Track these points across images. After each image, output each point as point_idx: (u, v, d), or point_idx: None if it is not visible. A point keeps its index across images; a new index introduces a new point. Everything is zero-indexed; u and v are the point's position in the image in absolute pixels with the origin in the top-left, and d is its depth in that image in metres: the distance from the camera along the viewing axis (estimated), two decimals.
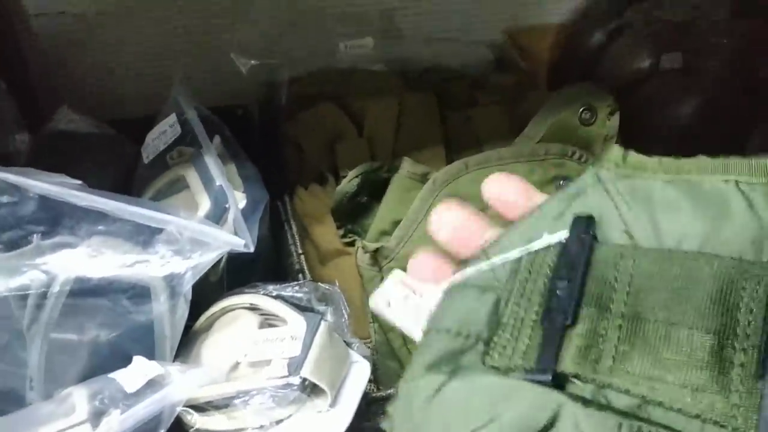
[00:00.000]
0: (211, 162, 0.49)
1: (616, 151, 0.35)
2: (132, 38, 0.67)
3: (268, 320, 0.46)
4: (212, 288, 0.48)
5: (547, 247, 0.33)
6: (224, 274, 0.49)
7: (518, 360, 0.30)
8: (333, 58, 0.66)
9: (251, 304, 0.46)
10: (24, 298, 0.42)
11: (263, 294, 0.47)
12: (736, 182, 0.33)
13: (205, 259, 0.42)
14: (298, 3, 0.69)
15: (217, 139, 0.51)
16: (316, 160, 0.59)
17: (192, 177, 0.49)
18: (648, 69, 0.69)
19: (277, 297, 0.46)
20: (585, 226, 0.33)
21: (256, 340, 0.44)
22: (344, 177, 0.54)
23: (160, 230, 0.42)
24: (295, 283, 0.47)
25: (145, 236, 0.42)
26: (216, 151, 0.50)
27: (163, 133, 0.53)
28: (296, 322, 0.44)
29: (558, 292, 0.31)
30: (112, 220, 0.42)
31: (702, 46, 0.66)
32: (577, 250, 0.32)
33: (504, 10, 0.78)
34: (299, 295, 0.46)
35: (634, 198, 0.34)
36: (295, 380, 0.42)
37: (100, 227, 0.42)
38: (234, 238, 0.43)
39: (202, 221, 0.44)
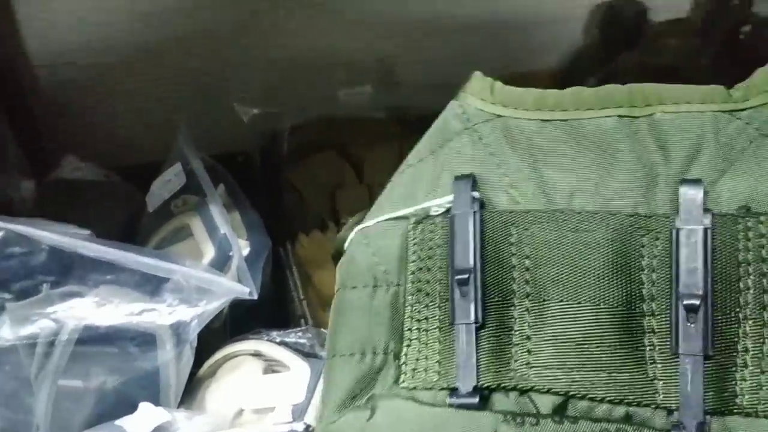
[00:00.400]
0: (216, 211, 0.50)
1: (481, 81, 0.33)
2: (136, 88, 0.69)
3: (271, 366, 0.46)
4: (215, 334, 0.49)
5: (432, 222, 0.30)
6: (227, 321, 0.50)
7: (434, 377, 0.28)
8: (332, 106, 0.68)
9: (255, 350, 0.47)
10: (32, 346, 0.43)
11: (267, 340, 0.47)
12: (618, 116, 0.30)
13: (210, 307, 0.43)
14: (298, 53, 0.71)
15: (221, 187, 0.53)
16: (317, 206, 0.60)
17: (196, 225, 0.50)
18: None
19: (280, 343, 0.47)
20: (469, 193, 0.30)
21: (260, 386, 0.45)
22: (345, 223, 0.55)
23: (166, 279, 0.43)
24: (298, 329, 0.48)
25: (152, 285, 0.43)
26: (220, 199, 0.51)
27: (167, 182, 0.54)
28: (300, 368, 0.45)
29: (458, 286, 0.29)
30: (120, 269, 0.43)
31: None
32: (465, 227, 0.29)
33: (499, 57, 0.80)
34: (302, 340, 0.47)
35: (513, 146, 0.31)
36: (300, 426, 0.42)
37: (108, 277, 0.43)
38: (239, 286, 0.44)
39: (207, 269, 0.45)
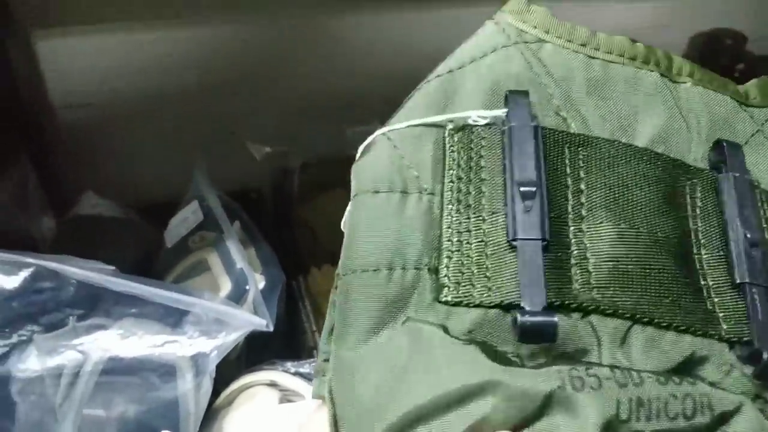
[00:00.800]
0: (233, 246, 0.52)
1: (521, 2, 0.32)
2: (153, 129, 0.71)
3: (287, 396, 0.48)
4: (231, 366, 0.51)
5: (474, 132, 0.28)
6: (242, 352, 0.52)
7: (483, 292, 0.25)
8: (341, 144, 0.70)
9: (270, 380, 0.49)
10: (58, 376, 0.45)
11: (282, 371, 0.49)
12: (660, 74, 0.31)
13: (229, 339, 0.44)
14: (307, 94, 0.73)
15: (237, 224, 0.55)
16: (328, 241, 0.62)
17: (214, 260, 0.52)
18: None
19: (295, 373, 0.49)
20: (527, 106, 0.28)
21: (276, 415, 0.46)
22: None
23: (187, 312, 0.45)
24: (312, 359, 0.50)
25: (173, 318, 0.45)
26: (237, 235, 0.53)
27: (185, 219, 0.56)
28: None
29: (522, 200, 0.26)
30: (143, 302, 0.45)
31: None
32: (528, 139, 0.27)
33: None
34: None
35: (561, 71, 0.30)
36: None
37: (132, 310, 0.45)
38: (256, 318, 0.46)
39: (225, 302, 0.47)
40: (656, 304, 0.25)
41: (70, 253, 0.47)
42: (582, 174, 0.28)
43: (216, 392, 0.50)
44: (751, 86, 0.34)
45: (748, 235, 0.27)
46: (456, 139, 0.28)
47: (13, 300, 0.44)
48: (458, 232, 0.26)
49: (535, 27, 0.31)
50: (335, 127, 0.71)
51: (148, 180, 0.71)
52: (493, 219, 0.26)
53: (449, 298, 0.25)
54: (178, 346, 0.44)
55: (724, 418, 0.24)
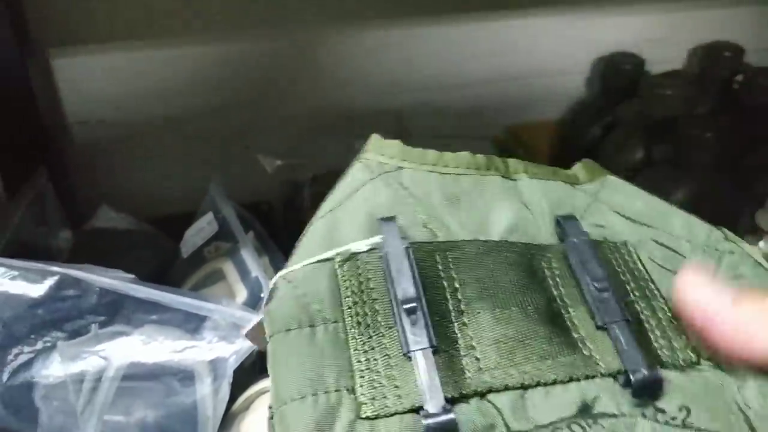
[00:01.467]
0: (248, 255, 0.53)
1: (379, 141, 0.36)
2: (167, 143, 0.73)
3: None
4: (248, 371, 0.52)
5: (359, 260, 0.32)
6: (257, 358, 0.53)
7: (395, 401, 0.28)
8: (350, 156, 0.71)
9: None
10: (80, 382, 0.46)
11: None
12: (501, 177, 0.36)
13: (247, 344, 0.46)
14: (317, 108, 0.75)
15: (251, 234, 0.56)
16: None
17: (229, 269, 0.54)
18: (641, 160, 0.75)
19: None
20: (396, 230, 0.32)
21: None
22: None
23: (205, 318, 0.47)
24: None
25: (193, 324, 0.46)
26: (251, 245, 0.54)
27: (201, 230, 0.57)
28: None
29: (407, 316, 0.30)
30: (163, 309, 0.46)
31: (689, 139, 0.71)
32: (403, 260, 0.31)
33: (504, 109, 0.83)
34: None
35: (420, 190, 0.35)
36: None
37: (153, 316, 0.46)
38: None
39: (243, 308, 0.48)
40: (539, 368, 0.30)
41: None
42: (454, 274, 0.32)
43: (232, 398, 0.51)
44: (578, 170, 0.39)
45: (596, 285, 0.32)
46: (345, 269, 0.32)
47: (38, 307, 0.45)
48: (364, 351, 0.30)
49: (393, 158, 0.36)
50: (344, 140, 0.72)
51: (162, 193, 0.72)
52: (390, 333, 0.30)
53: (369, 414, 0.28)
54: (197, 351, 0.46)
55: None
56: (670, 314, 0.33)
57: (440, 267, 0.32)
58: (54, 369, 0.46)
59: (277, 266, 0.56)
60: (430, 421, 0.27)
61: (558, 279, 0.33)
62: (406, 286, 0.30)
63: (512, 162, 0.37)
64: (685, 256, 0.35)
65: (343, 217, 0.34)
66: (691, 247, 0.36)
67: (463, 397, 0.29)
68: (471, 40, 0.79)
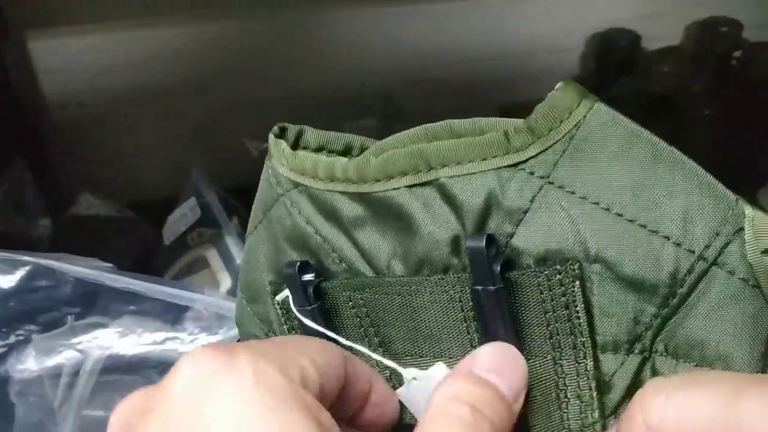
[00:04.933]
0: (231, 242, 0.51)
1: (276, 145, 0.31)
2: (148, 127, 0.71)
3: None
4: None
5: (279, 306, 0.31)
6: None
7: None
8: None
9: None
10: (57, 376, 0.45)
11: None
12: (407, 186, 0.28)
13: (230, 334, 0.44)
14: (305, 89, 0.73)
15: (235, 219, 0.55)
16: None
17: (213, 257, 0.52)
18: None
19: None
20: (299, 285, 0.30)
21: None
22: None
23: (187, 308, 0.45)
24: None
25: (173, 314, 0.44)
26: (235, 231, 0.52)
27: (183, 215, 0.56)
28: None
29: None
30: (142, 299, 0.44)
31: (686, 116, 0.69)
32: (309, 318, 0.30)
33: (497, 87, 0.82)
34: None
35: (323, 216, 0.30)
36: None
37: (131, 307, 0.44)
38: None
39: (226, 297, 0.47)
40: None
41: (68, 252, 0.47)
42: (367, 312, 0.30)
43: None
44: (536, 118, 0.27)
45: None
46: (276, 300, 0.31)
47: (9, 299, 0.44)
48: None
49: (292, 170, 0.31)
50: (332, 122, 0.70)
51: (144, 178, 0.70)
52: None
53: None
54: (179, 342, 0.44)
55: None
56: (594, 373, 0.27)
57: (353, 305, 0.30)
58: (29, 363, 0.44)
59: None
60: None
61: (475, 322, 0.28)
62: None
63: (421, 155, 0.28)
64: (658, 276, 0.26)
65: (261, 240, 0.32)
66: (675, 255, 0.25)
67: None
68: (462, 18, 0.77)
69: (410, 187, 0.28)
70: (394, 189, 0.28)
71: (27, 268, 0.43)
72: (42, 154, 0.69)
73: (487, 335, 0.27)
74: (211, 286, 0.51)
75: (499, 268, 0.26)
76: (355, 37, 0.74)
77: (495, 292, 0.26)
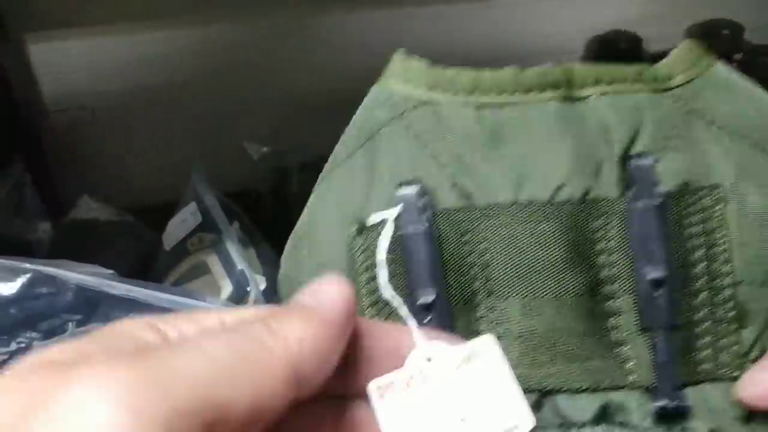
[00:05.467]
0: (232, 248, 0.51)
1: (404, 61, 0.30)
2: (148, 130, 0.71)
3: None
4: None
5: (373, 234, 0.28)
6: None
7: None
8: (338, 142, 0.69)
9: None
10: None
11: None
12: (559, 100, 0.28)
13: None
14: (304, 93, 0.73)
15: (236, 225, 0.54)
16: None
17: (213, 262, 0.52)
18: None
19: None
20: (416, 205, 0.28)
21: None
22: None
23: None
24: None
25: None
26: (236, 237, 0.52)
27: (183, 221, 0.55)
28: None
29: (421, 312, 0.27)
30: (142, 306, 0.44)
31: None
32: (420, 247, 0.27)
33: None
34: None
35: (449, 136, 0.28)
36: None
37: (131, 314, 0.44)
38: None
39: (226, 304, 0.46)
40: (564, 373, 0.26)
41: (67, 258, 0.46)
42: (483, 248, 0.28)
43: None
44: (674, 60, 0.30)
45: (650, 276, 0.27)
46: (360, 241, 0.29)
47: (10, 307, 0.43)
48: None
49: (418, 87, 0.30)
50: (334, 126, 0.70)
51: (144, 182, 0.70)
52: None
53: None
54: None
55: None
56: (732, 306, 0.27)
57: (467, 243, 0.27)
58: None
59: (264, 258, 0.54)
60: None
61: (612, 254, 0.27)
62: (421, 278, 0.27)
63: (578, 73, 0.28)
64: None
65: (358, 169, 0.30)
66: None
67: None
68: (461, 21, 0.77)
69: (563, 99, 0.28)
70: (548, 100, 0.28)
71: (28, 275, 0.43)
72: (41, 158, 0.69)
73: (645, 256, 0.26)
74: (212, 292, 0.51)
75: (658, 188, 0.27)
76: (356, 39, 0.74)
77: (657, 206, 0.26)
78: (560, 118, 0.28)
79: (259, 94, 0.72)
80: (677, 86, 0.29)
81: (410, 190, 0.28)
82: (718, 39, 0.78)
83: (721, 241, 0.27)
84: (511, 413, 0.24)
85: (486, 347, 0.25)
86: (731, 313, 0.27)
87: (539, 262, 0.27)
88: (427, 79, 0.30)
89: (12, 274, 0.43)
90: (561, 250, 0.27)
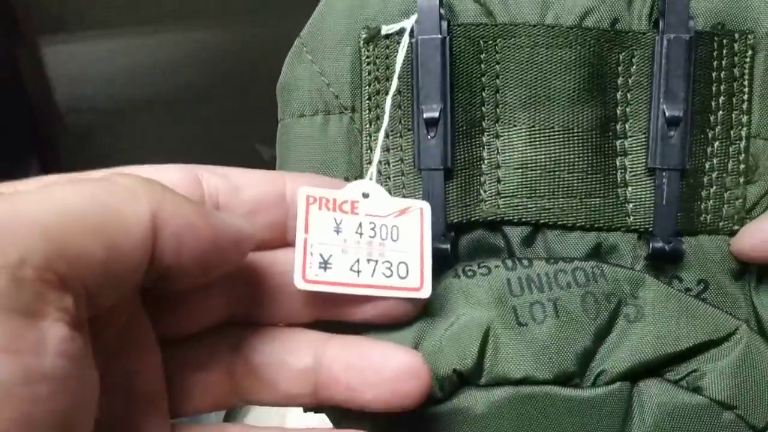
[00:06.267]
0: None
1: None
2: (159, 132, 0.71)
3: None
4: None
5: (389, 40, 0.27)
6: None
7: None
8: None
9: None
10: None
11: None
12: None
13: None
14: None
15: None
16: None
17: None
18: None
19: None
20: (437, 12, 0.26)
21: None
22: None
23: None
24: None
25: None
26: None
27: None
28: None
29: (425, 126, 0.26)
30: None
31: None
32: (434, 56, 0.26)
33: None
34: None
35: None
36: None
37: None
38: None
39: None
40: (562, 207, 0.26)
41: None
42: (498, 69, 0.27)
43: None
44: None
45: (668, 113, 0.26)
46: (370, 50, 0.28)
47: None
48: (378, 151, 0.27)
49: None
50: None
51: None
52: (409, 136, 0.27)
53: None
54: None
55: (631, 288, 0.26)
56: (743, 159, 0.26)
57: (482, 63, 0.27)
58: None
59: None
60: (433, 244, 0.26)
61: (630, 91, 0.26)
62: (430, 90, 0.26)
63: None
64: None
65: None
66: None
67: (472, 225, 0.27)
68: None
69: None
70: None
71: None
72: (56, 158, 0.70)
73: (660, 92, 0.26)
74: None
75: (690, 24, 0.25)
76: None
77: (687, 42, 0.25)
78: None
79: (270, 96, 0.72)
80: None
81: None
82: None
83: (745, 89, 0.26)
84: (416, 278, 0.25)
85: (420, 210, 0.26)
86: (741, 166, 0.27)
87: (554, 92, 0.26)
88: None
89: None
90: (579, 81, 0.26)
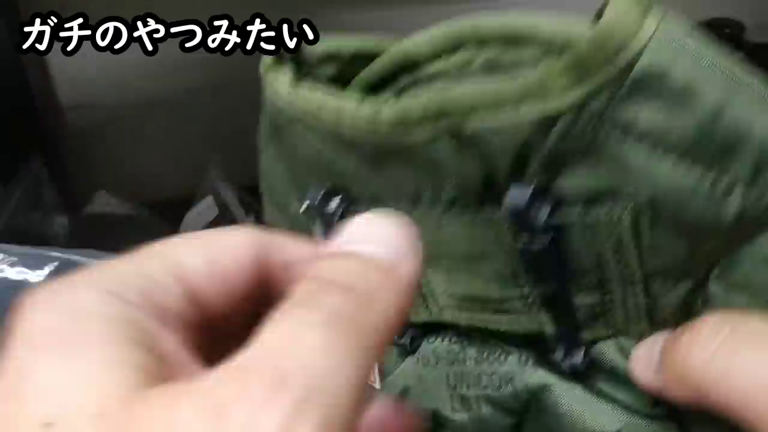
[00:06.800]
0: None
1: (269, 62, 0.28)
2: (165, 125, 0.72)
3: None
4: None
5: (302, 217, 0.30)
6: None
7: None
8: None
9: None
10: None
11: None
12: (448, 137, 0.24)
13: None
14: None
15: (252, 217, 0.55)
16: None
17: None
18: None
19: None
20: (329, 212, 0.28)
21: None
22: None
23: None
24: None
25: None
26: None
27: (200, 214, 0.57)
28: None
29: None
30: None
31: None
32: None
33: None
34: None
35: (343, 152, 0.27)
36: None
37: None
38: None
39: None
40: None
41: None
42: None
43: None
44: (564, 66, 0.22)
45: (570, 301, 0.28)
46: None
47: None
48: None
49: (291, 104, 0.27)
50: None
51: (160, 177, 0.71)
52: None
53: None
54: None
55: (537, 392, 0.28)
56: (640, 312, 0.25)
57: None
58: None
59: None
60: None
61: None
62: None
63: (456, 101, 0.23)
64: (719, 220, 0.22)
65: (273, 163, 0.32)
66: (742, 200, 0.21)
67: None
68: None
69: (431, 142, 0.24)
70: (434, 140, 0.24)
71: (55, 263, 0.44)
72: (58, 154, 0.70)
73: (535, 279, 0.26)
74: None
75: (544, 222, 0.23)
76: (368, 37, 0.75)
77: (541, 251, 0.24)
78: (432, 153, 0.25)
79: None
80: (575, 104, 0.22)
81: (314, 199, 0.28)
82: (719, 38, 0.79)
83: (630, 258, 0.24)
84: None
85: None
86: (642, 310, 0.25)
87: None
88: (294, 99, 0.27)
89: (40, 262, 0.44)
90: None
